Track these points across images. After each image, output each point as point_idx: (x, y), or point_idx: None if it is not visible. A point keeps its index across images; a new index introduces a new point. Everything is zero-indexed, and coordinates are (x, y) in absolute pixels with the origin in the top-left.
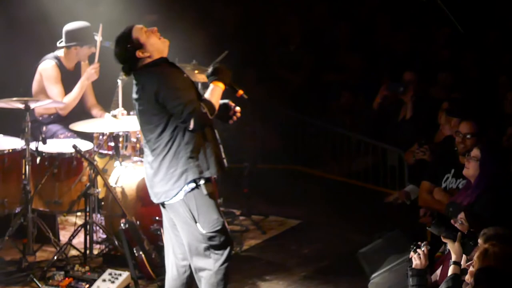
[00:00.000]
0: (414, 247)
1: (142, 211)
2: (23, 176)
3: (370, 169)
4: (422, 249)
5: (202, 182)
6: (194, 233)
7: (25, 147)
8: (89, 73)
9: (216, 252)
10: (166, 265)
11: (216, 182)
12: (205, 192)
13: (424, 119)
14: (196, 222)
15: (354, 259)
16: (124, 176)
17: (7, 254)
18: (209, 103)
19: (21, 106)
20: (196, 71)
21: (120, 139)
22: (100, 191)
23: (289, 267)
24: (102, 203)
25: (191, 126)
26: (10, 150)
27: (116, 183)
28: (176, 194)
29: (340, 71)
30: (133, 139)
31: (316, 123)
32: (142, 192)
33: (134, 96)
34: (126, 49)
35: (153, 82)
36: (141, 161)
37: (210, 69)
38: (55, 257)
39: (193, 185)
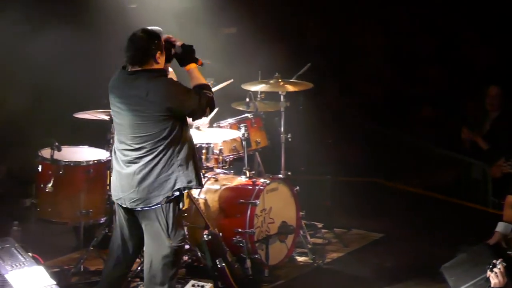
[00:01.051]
0: (490, 266)
1: (224, 222)
2: (108, 187)
3: (453, 182)
4: (498, 267)
5: (185, 191)
6: (161, 246)
7: (110, 158)
8: None
9: (172, 268)
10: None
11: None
12: (182, 203)
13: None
14: (168, 233)
15: (437, 273)
16: (207, 188)
17: (92, 264)
18: (205, 86)
19: (106, 117)
20: (281, 83)
21: (203, 151)
22: (184, 203)
23: (371, 281)
24: (185, 214)
25: (207, 113)
26: (95, 161)
27: (199, 195)
28: (159, 202)
29: (422, 83)
30: (216, 151)
31: (398, 136)
32: (225, 204)
33: (129, 98)
34: (153, 43)
35: (162, 91)
36: (224, 173)
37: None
38: (139, 268)
39: (177, 193)
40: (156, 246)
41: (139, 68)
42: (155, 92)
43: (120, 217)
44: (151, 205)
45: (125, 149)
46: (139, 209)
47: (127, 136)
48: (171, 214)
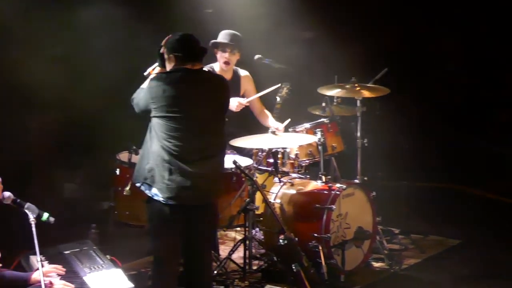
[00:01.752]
0: None
1: (300, 227)
2: None
3: None
4: None
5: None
6: None
7: None
8: (232, 105)
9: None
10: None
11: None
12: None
13: None
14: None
15: None
16: (283, 192)
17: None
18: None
19: None
20: (357, 88)
21: (279, 156)
22: (259, 207)
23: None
24: (261, 218)
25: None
26: None
27: (275, 199)
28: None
29: (499, 88)
30: (292, 156)
31: (475, 141)
32: (301, 209)
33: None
34: None
35: None
36: (300, 178)
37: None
38: (215, 271)
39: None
40: None
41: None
42: None
43: None
44: None
45: None
46: None
47: None
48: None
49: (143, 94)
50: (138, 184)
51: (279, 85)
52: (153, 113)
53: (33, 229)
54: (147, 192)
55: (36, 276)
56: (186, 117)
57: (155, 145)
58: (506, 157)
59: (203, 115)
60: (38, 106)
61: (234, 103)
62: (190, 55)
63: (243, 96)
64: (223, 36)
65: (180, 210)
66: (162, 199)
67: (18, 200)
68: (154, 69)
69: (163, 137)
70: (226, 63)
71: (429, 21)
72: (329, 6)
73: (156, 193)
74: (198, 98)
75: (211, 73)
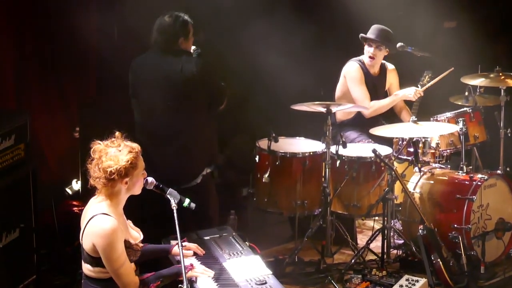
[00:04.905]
0: None
1: (440, 217)
2: (323, 179)
3: None
4: None
5: None
6: None
7: (325, 150)
8: (408, 93)
9: None
10: None
11: None
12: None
13: None
14: None
15: None
16: (423, 182)
17: (306, 255)
18: None
19: (323, 109)
20: (502, 77)
21: (420, 145)
22: (398, 196)
23: None
24: (400, 208)
25: None
26: (311, 153)
27: (414, 189)
28: None
29: None
30: (433, 145)
31: None
32: (441, 199)
33: None
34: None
35: None
36: (441, 168)
37: None
38: (353, 260)
39: None
40: None
41: None
42: None
43: None
44: None
45: None
46: None
47: None
48: None
49: None
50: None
51: (451, 69)
52: None
53: (175, 214)
54: None
55: (176, 249)
56: None
57: None
58: None
59: None
60: None
61: (411, 91)
62: None
63: (388, 90)
64: (372, 31)
65: None
66: None
67: (161, 186)
68: None
69: None
70: (371, 58)
71: None
72: None
73: None
74: None
75: None
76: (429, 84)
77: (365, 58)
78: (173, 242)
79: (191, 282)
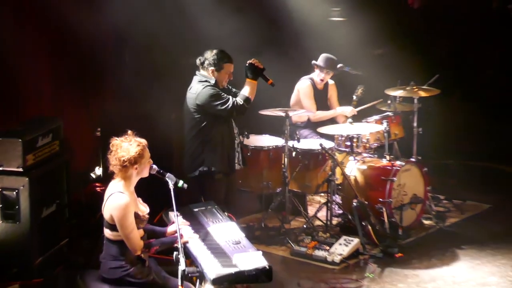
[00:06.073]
0: None
1: (369, 194)
2: (283, 166)
3: None
4: None
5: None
6: None
7: (285, 144)
8: (346, 110)
9: None
10: None
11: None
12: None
13: None
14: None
15: None
16: (357, 167)
17: (270, 223)
18: (245, 98)
19: (283, 114)
20: (415, 89)
21: (355, 140)
22: (338, 178)
23: (482, 241)
24: (340, 187)
25: (233, 115)
26: (274, 146)
27: (350, 172)
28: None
29: None
30: (364, 140)
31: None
32: (370, 180)
33: None
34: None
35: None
36: (370, 157)
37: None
38: (305, 226)
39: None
40: None
41: None
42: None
43: None
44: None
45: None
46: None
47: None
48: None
49: None
50: None
51: (380, 100)
52: None
53: (172, 192)
54: None
55: (170, 229)
56: None
57: None
58: None
59: None
60: None
61: (348, 110)
62: None
63: (329, 99)
64: (322, 59)
65: None
66: None
67: (161, 171)
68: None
69: None
70: (321, 80)
71: (471, 38)
72: (393, 31)
73: None
74: None
75: None
76: (363, 107)
77: (315, 78)
78: (171, 214)
79: (185, 247)
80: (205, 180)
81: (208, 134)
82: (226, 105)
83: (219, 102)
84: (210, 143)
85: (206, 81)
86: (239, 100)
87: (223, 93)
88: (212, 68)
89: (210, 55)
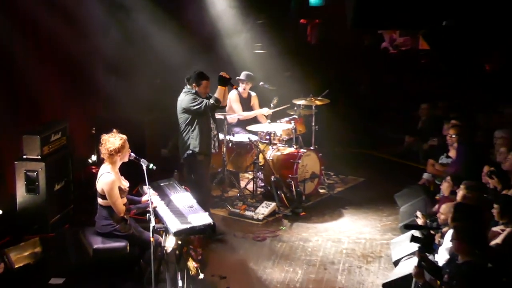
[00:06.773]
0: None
1: (282, 172)
2: (223, 153)
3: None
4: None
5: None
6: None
7: (224, 138)
8: (264, 111)
9: None
10: None
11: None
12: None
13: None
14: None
15: (391, 199)
16: (273, 154)
17: (214, 192)
18: (215, 98)
19: (222, 117)
20: (312, 99)
21: (272, 134)
22: (261, 161)
23: (358, 202)
24: (262, 167)
25: (207, 112)
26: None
27: (269, 157)
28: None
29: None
30: (278, 135)
31: (373, 126)
32: (283, 162)
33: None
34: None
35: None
36: (283, 146)
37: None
38: (238, 194)
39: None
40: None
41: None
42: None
43: None
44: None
45: None
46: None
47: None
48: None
49: None
50: None
51: (288, 105)
52: None
53: (145, 172)
54: None
55: (144, 198)
56: None
57: None
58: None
59: None
60: None
61: (265, 111)
62: None
63: (252, 106)
64: (242, 75)
65: None
66: None
67: (137, 157)
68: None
69: None
70: (244, 89)
71: (351, 64)
72: (297, 59)
73: None
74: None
75: None
76: (276, 109)
77: (240, 89)
78: (144, 187)
79: (154, 210)
80: (191, 160)
81: (192, 127)
82: (200, 105)
83: (195, 103)
84: (193, 133)
85: (189, 91)
86: (211, 100)
87: (199, 98)
88: (194, 83)
89: (193, 75)
